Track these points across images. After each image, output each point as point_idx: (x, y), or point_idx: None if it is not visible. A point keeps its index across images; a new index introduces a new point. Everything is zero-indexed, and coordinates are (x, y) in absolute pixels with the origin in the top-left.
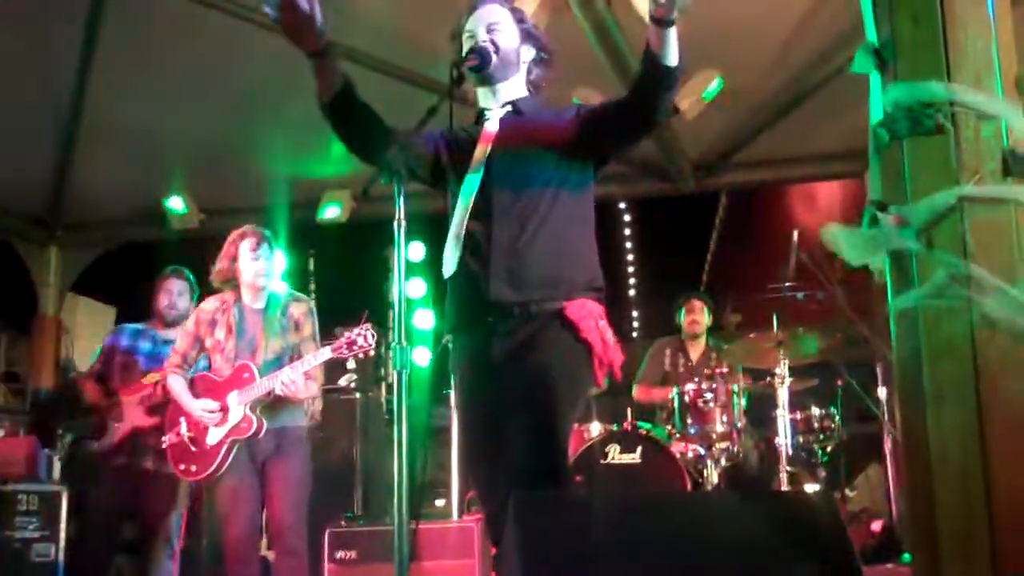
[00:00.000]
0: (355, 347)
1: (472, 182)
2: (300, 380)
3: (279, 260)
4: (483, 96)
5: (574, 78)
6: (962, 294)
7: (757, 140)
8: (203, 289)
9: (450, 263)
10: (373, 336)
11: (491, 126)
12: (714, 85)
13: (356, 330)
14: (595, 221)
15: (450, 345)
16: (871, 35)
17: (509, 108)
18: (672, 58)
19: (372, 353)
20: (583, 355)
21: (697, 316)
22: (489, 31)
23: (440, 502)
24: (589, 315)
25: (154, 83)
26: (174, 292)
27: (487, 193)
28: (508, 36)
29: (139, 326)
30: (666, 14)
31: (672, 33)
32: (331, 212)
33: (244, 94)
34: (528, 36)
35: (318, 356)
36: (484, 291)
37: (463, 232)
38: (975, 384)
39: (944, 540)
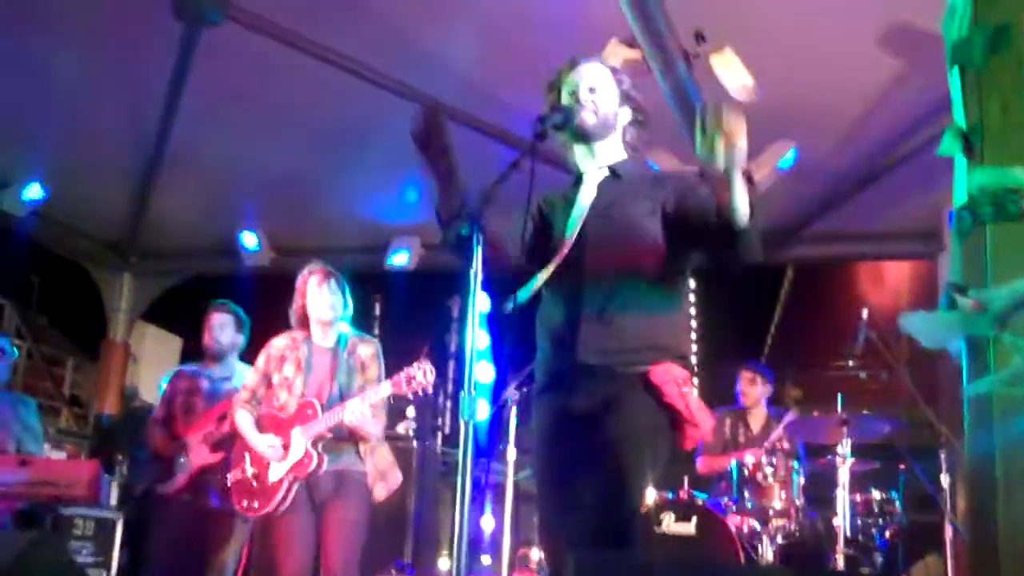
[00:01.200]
0: (414, 382)
1: (566, 246)
2: (368, 411)
3: (348, 300)
4: (581, 156)
5: (650, 140)
6: None
7: (826, 215)
8: (272, 325)
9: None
10: (432, 371)
11: (588, 191)
12: (788, 155)
13: (415, 365)
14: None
15: (532, 397)
16: (959, 118)
17: (607, 173)
18: (740, 219)
19: (430, 391)
20: (663, 419)
21: (746, 387)
22: (591, 91)
23: (486, 558)
24: (673, 380)
25: (238, 119)
26: (215, 327)
27: (580, 258)
28: (608, 98)
29: (195, 367)
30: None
31: (736, 186)
32: (400, 258)
33: (325, 136)
34: (627, 98)
35: (379, 391)
36: (571, 355)
37: (555, 295)
38: None
39: None
